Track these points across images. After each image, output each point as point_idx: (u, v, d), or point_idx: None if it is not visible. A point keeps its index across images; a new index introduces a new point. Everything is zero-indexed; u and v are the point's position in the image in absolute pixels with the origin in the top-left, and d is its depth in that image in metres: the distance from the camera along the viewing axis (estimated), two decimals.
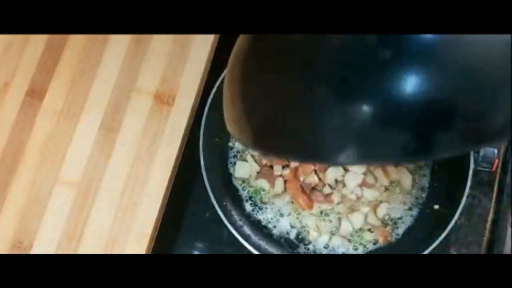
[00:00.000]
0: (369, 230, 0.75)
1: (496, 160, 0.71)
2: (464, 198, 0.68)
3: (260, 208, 0.76)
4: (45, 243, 0.67)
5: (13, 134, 0.71)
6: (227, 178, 0.78)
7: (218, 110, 0.76)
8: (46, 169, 0.70)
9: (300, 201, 0.74)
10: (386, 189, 0.76)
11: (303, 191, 0.74)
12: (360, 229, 0.74)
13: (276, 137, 0.46)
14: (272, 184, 0.75)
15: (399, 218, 0.76)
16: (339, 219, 0.75)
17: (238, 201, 0.77)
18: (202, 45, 0.74)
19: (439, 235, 0.68)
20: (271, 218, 0.76)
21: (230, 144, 0.79)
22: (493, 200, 0.79)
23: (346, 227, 0.74)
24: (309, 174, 0.73)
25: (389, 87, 0.39)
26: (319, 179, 0.74)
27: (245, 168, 0.77)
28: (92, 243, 0.67)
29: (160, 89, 0.72)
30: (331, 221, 0.75)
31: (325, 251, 0.74)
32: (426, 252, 0.68)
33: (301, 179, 0.74)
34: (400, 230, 0.75)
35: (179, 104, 0.72)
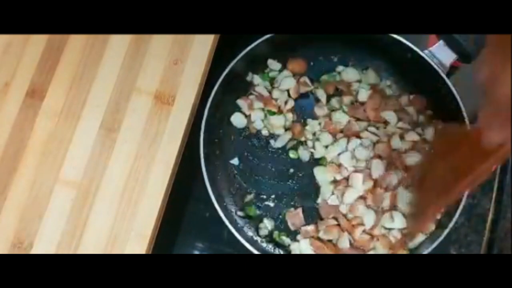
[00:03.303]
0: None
1: None
2: (464, 198, 0.68)
3: (261, 208, 0.76)
4: (45, 243, 0.67)
5: (13, 134, 0.71)
6: (228, 178, 0.78)
7: (218, 110, 0.76)
8: (46, 169, 0.70)
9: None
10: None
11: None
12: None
13: None
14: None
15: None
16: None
17: (238, 201, 0.77)
18: (202, 45, 0.74)
19: (439, 235, 0.68)
20: (272, 218, 0.76)
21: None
22: (493, 200, 0.79)
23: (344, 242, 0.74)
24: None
25: None
26: None
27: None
28: (92, 243, 0.67)
29: (160, 89, 0.72)
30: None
31: None
32: (426, 252, 0.68)
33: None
34: None
35: (179, 104, 0.72)
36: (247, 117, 0.79)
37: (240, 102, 0.79)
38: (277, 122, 0.78)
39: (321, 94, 0.79)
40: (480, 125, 0.47)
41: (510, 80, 0.42)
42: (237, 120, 0.79)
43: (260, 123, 0.79)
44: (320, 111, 0.79)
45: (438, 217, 0.72)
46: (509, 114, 0.43)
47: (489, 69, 0.43)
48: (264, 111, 0.79)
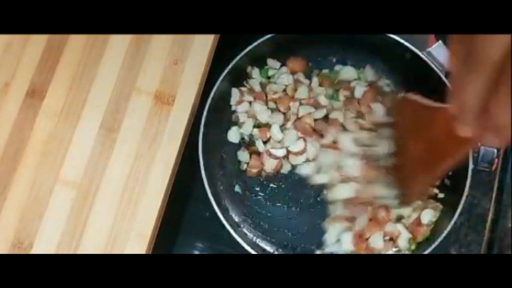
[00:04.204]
0: None
1: (496, 160, 0.71)
2: (464, 198, 0.68)
3: (260, 209, 0.76)
4: (45, 243, 0.67)
5: (13, 134, 0.71)
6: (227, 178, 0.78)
7: (218, 109, 0.76)
8: (46, 169, 0.70)
9: None
10: None
11: None
12: None
13: None
14: None
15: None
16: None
17: (237, 201, 0.77)
18: (202, 45, 0.74)
19: (439, 235, 0.68)
20: (271, 219, 0.76)
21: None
22: (493, 200, 0.79)
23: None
24: None
25: None
26: None
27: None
28: (92, 243, 0.67)
29: (160, 89, 0.73)
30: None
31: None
32: (426, 252, 0.68)
33: None
34: None
35: (179, 104, 0.72)
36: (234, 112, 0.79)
37: (234, 90, 0.78)
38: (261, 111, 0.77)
39: (315, 81, 0.79)
40: (449, 111, 0.42)
41: (475, 90, 0.37)
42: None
43: (243, 116, 0.78)
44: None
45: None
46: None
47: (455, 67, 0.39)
48: (250, 105, 0.78)
